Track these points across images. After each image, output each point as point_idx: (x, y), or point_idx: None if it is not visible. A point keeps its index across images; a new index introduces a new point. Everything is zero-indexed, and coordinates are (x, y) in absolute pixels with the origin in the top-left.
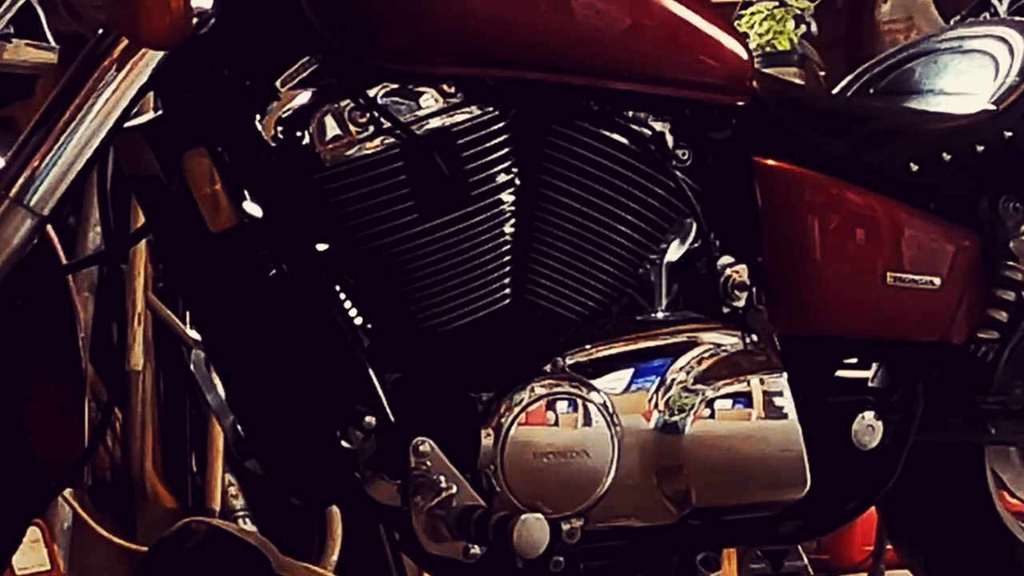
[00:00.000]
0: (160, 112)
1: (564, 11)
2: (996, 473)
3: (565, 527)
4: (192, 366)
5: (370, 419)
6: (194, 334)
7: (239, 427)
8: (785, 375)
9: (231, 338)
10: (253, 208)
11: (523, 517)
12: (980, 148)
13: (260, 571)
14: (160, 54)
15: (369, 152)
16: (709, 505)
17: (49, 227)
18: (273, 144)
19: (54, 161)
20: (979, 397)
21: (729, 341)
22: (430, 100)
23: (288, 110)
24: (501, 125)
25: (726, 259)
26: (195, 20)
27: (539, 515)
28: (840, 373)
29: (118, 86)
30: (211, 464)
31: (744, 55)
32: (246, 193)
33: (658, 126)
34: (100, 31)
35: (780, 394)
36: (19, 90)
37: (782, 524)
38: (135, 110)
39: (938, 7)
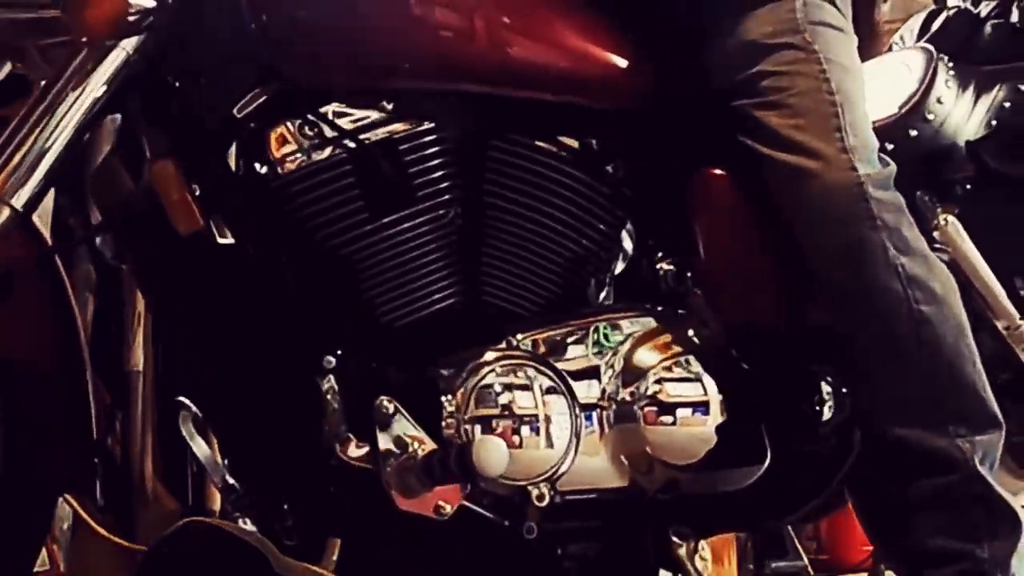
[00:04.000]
0: (128, 131)
1: (475, 31)
2: None
3: (533, 491)
4: (181, 426)
5: (333, 383)
6: None
7: (228, 479)
8: (733, 352)
9: (200, 334)
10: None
11: (479, 438)
12: (890, 147)
13: (260, 571)
14: (119, 60)
15: (319, 160)
16: (671, 477)
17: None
18: (234, 159)
19: (29, 158)
20: None
21: (673, 323)
22: (372, 114)
23: (246, 131)
24: (439, 136)
25: (663, 254)
26: (134, 17)
27: (496, 438)
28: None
29: (82, 90)
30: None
31: (630, 65)
32: (210, 198)
33: (589, 137)
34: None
35: (729, 370)
36: (19, 90)
37: (750, 501)
38: (96, 111)
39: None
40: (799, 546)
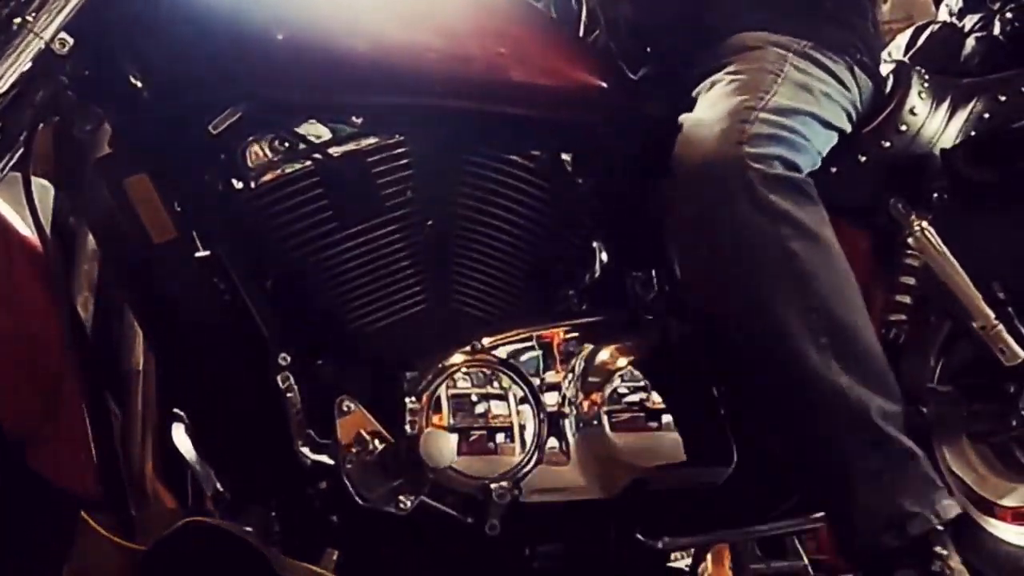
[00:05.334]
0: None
1: (445, 47)
2: (956, 475)
3: (494, 487)
4: (173, 434)
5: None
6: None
7: (218, 487)
8: (699, 357)
9: (175, 339)
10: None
11: (428, 430)
12: (863, 159)
13: (260, 571)
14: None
15: (291, 173)
16: (637, 479)
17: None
18: (208, 173)
19: None
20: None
21: (640, 329)
22: (342, 129)
23: (220, 146)
24: (409, 149)
25: (631, 262)
26: None
27: (443, 431)
28: None
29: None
30: None
31: (600, 79)
32: (185, 209)
33: (558, 151)
34: None
35: (694, 375)
36: None
37: (719, 503)
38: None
39: (938, 7)
40: (799, 546)
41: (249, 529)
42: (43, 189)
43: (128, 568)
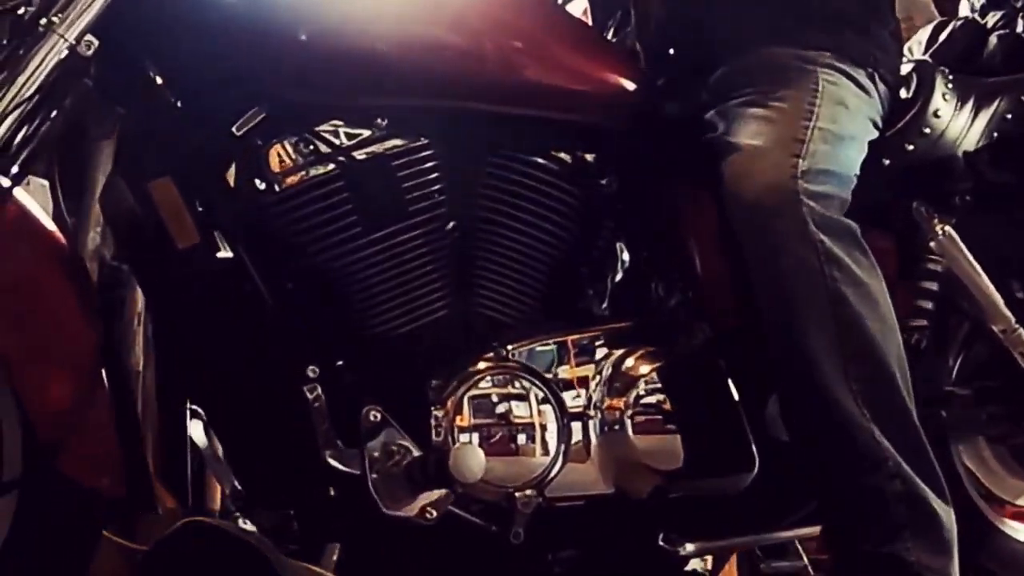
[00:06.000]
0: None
1: (469, 49)
2: (973, 472)
3: (519, 496)
4: (191, 431)
5: (320, 392)
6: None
7: (236, 485)
8: (722, 362)
9: (199, 344)
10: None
11: (457, 445)
12: (886, 162)
13: (260, 571)
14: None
15: (315, 176)
16: (659, 484)
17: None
18: (232, 176)
19: None
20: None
21: (663, 333)
22: (366, 131)
23: (243, 148)
24: (433, 152)
25: (655, 266)
26: None
27: (473, 444)
28: None
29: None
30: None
31: (624, 81)
32: (208, 212)
33: (582, 153)
34: None
35: (718, 379)
36: None
37: (741, 508)
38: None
39: (938, 7)
40: (799, 546)
41: (253, 530)
42: (42, 189)
43: (128, 568)
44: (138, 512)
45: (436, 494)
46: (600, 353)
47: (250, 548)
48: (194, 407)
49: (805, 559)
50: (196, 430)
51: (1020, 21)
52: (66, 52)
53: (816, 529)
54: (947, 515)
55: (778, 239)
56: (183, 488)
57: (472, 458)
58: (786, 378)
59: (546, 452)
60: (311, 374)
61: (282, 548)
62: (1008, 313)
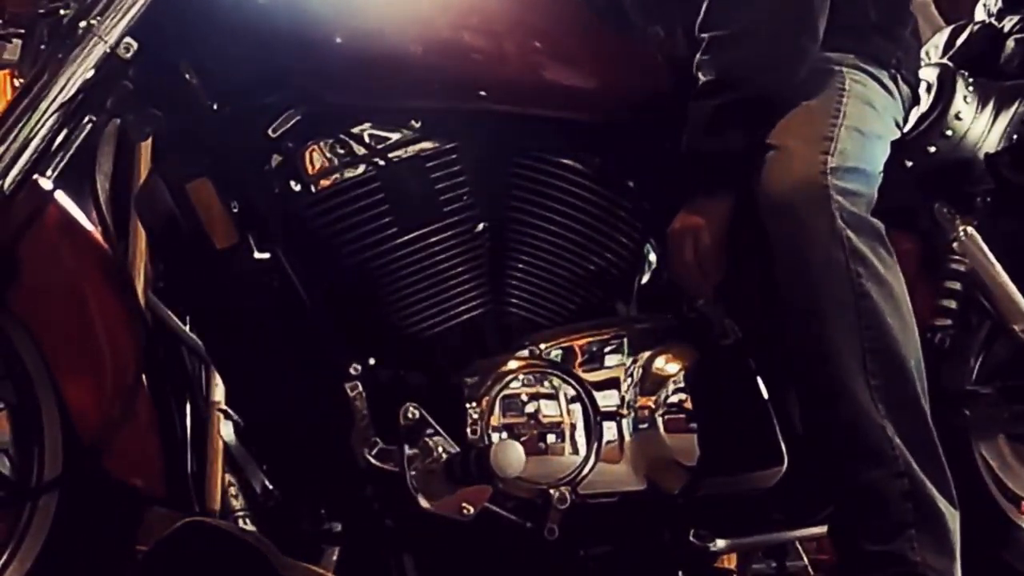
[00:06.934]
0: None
1: (502, 52)
2: (994, 470)
3: (554, 493)
4: (221, 432)
5: (361, 390)
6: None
7: (268, 485)
8: (751, 360)
9: (236, 344)
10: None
11: (498, 441)
12: (909, 164)
13: (260, 571)
14: (99, 52)
15: (351, 177)
16: (691, 481)
17: None
18: (267, 176)
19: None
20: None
21: (692, 332)
22: (401, 133)
23: (279, 149)
24: (466, 153)
25: None
26: None
27: (513, 441)
28: None
29: (59, 80)
30: (211, 464)
31: (650, 81)
32: (244, 213)
33: (609, 153)
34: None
35: (747, 377)
36: None
37: (771, 505)
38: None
39: (938, 7)
40: (799, 546)
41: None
42: None
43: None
44: (178, 513)
45: (473, 491)
46: (631, 351)
47: (250, 548)
48: (224, 408)
49: (805, 559)
50: (226, 430)
51: None
52: (106, 54)
53: None
54: (952, 518)
55: (806, 234)
56: (183, 488)
57: (513, 454)
58: (803, 368)
59: (578, 450)
60: (353, 371)
61: (329, 546)
62: None
